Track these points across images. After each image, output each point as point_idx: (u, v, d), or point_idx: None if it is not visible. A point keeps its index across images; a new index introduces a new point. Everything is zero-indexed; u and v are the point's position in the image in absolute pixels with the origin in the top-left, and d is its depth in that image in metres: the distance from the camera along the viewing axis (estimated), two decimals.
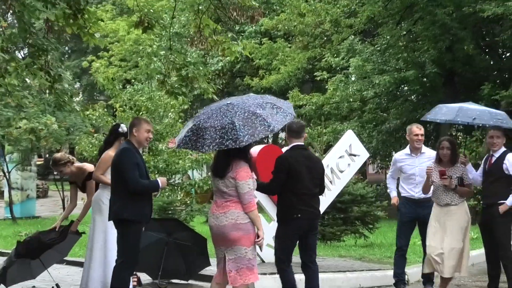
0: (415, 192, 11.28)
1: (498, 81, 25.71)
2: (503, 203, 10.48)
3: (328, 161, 14.09)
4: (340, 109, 26.94)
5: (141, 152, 9.42)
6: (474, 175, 11.02)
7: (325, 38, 28.88)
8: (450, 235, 10.49)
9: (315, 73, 28.52)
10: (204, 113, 8.57)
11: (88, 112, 23.64)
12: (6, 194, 27.84)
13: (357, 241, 17.14)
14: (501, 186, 10.66)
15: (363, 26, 27.31)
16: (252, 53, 30.25)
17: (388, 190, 12.10)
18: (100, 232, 10.58)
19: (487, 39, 26.06)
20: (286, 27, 29.68)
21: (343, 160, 14.17)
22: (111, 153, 10.21)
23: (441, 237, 10.56)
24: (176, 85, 12.03)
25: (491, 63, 26.27)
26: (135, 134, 9.33)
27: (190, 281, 12.65)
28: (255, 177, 8.54)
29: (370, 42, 27.37)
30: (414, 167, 11.41)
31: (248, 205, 8.06)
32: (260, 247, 8.65)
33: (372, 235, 17.51)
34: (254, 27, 32.78)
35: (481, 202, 11.42)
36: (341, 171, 14.21)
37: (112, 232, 10.05)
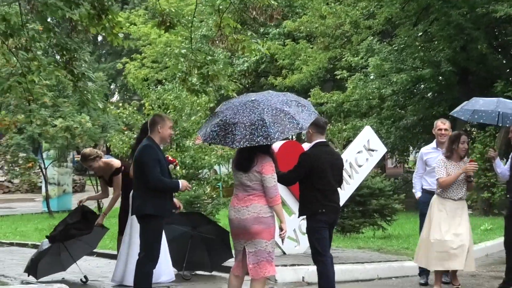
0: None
1: (510, 79, 25.36)
2: None
3: (347, 156, 13.97)
4: (360, 106, 26.75)
5: (168, 148, 9.36)
6: (503, 169, 10.83)
7: (345, 39, 28.69)
8: (466, 228, 10.37)
9: (336, 72, 28.36)
10: (228, 108, 8.45)
11: (119, 111, 23.50)
12: (43, 189, 27.85)
13: (375, 233, 16.96)
14: None
15: (381, 27, 27.13)
16: (276, 54, 30.63)
17: (413, 190, 11.95)
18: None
19: (499, 39, 25.62)
20: (308, 29, 29.52)
21: (362, 155, 14.07)
22: None
23: (455, 230, 10.36)
24: (197, 83, 11.82)
25: (504, 62, 25.94)
26: (160, 131, 9.24)
27: (213, 273, 12.59)
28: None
29: (388, 43, 27.17)
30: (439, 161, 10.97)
31: (275, 199, 8.04)
32: (282, 240, 8.66)
33: (390, 227, 17.36)
34: (277, 29, 32.72)
35: (508, 195, 10.92)
36: (360, 166, 14.12)
37: None
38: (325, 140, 9.99)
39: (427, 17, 24.72)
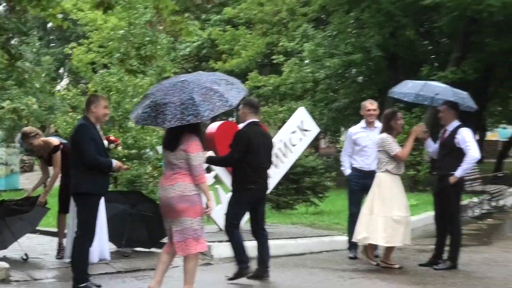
0: (366, 163, 11.24)
1: (435, 63, 25.64)
2: (453, 174, 10.36)
3: (282, 136, 14.05)
4: (295, 89, 26.84)
5: (111, 129, 9.17)
6: (434, 147, 11.00)
7: (282, 25, 28.41)
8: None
9: (273, 57, 28.41)
10: (159, 89, 8.30)
11: (63, 93, 23.26)
12: None
13: (308, 209, 17.07)
14: (452, 159, 10.52)
15: (316, 14, 27.31)
16: (217, 39, 30.46)
17: (342, 168, 11.91)
18: None
19: (426, 26, 25.68)
20: (247, 16, 29.52)
21: (296, 135, 14.07)
22: None
23: (406, 207, 10.70)
24: (134, 64, 11.57)
25: (430, 47, 26.11)
26: (94, 110, 9.04)
27: (152, 249, 12.31)
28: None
29: (322, 29, 26.93)
30: (367, 140, 11.31)
31: (200, 177, 7.85)
32: (208, 217, 8.68)
33: (322, 204, 17.34)
34: (218, 16, 32.55)
35: (434, 173, 11.17)
36: (294, 145, 14.12)
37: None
38: (258, 120, 10.05)
39: (359, 4, 24.76)
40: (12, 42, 11.52)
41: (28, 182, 25.99)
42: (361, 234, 10.55)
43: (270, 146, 10.10)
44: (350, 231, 11.55)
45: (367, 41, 24.70)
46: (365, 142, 11.34)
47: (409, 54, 24.94)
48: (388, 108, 12.25)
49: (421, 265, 10.98)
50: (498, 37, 23.78)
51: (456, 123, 10.73)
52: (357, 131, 11.71)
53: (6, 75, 27.90)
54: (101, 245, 11.07)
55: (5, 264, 10.21)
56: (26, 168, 36.31)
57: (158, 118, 7.84)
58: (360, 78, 28.61)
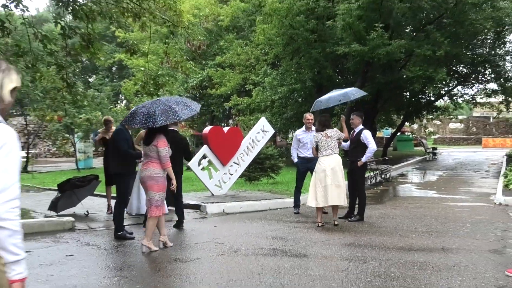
0: (307, 153, 11.04)
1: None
2: (360, 160, 10.25)
3: (251, 135, 13.94)
4: (260, 106, 26.36)
5: None
6: (345, 145, 10.75)
7: (251, 67, 27.93)
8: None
9: (246, 86, 27.62)
10: (145, 104, 8.06)
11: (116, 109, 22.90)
12: (76, 155, 27.98)
13: (268, 180, 16.33)
14: (358, 150, 10.35)
15: (272, 60, 26.53)
16: (212, 76, 29.92)
17: (292, 157, 11.56)
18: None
19: (339, 66, 25.13)
20: (230, 61, 28.98)
21: (259, 134, 14.02)
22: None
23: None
24: (151, 89, 10.85)
25: (342, 80, 25.56)
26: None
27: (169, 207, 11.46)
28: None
29: (276, 69, 26.40)
30: (307, 138, 11.20)
31: (165, 164, 7.77)
32: (173, 192, 8.52)
33: (277, 177, 16.66)
34: (213, 62, 31.91)
35: (348, 158, 10.71)
36: (258, 141, 13.83)
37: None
38: (175, 129, 9.61)
39: (298, 54, 24.12)
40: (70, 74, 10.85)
41: (99, 163, 25.25)
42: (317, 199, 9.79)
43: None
44: (296, 196, 11.46)
45: (303, 76, 24.25)
46: (306, 140, 11.18)
47: (329, 84, 24.29)
48: (315, 116, 11.73)
49: (340, 218, 10.32)
50: (384, 73, 23.37)
51: (361, 126, 10.51)
52: (300, 133, 11.51)
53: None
54: (139, 203, 10.75)
55: (71, 218, 9.91)
56: (99, 154, 36.26)
57: (131, 121, 7.76)
58: (300, 99, 27.90)
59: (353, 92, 11.07)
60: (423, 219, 10.24)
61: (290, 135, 39.08)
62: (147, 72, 10.84)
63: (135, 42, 10.92)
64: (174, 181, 7.90)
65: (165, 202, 8.07)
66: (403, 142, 40.22)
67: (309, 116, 11.51)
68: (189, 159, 10.17)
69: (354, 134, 10.43)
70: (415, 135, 45.83)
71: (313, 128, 10.95)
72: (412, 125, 44.86)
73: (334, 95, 11.03)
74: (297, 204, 11.40)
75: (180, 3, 10.67)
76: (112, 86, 44.20)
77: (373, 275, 6.13)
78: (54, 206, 10.77)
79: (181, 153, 9.62)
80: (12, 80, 2.55)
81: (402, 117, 32.87)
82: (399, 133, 37.86)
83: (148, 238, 7.69)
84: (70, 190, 10.96)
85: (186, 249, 7.82)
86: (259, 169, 16.17)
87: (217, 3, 32.72)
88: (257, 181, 16.20)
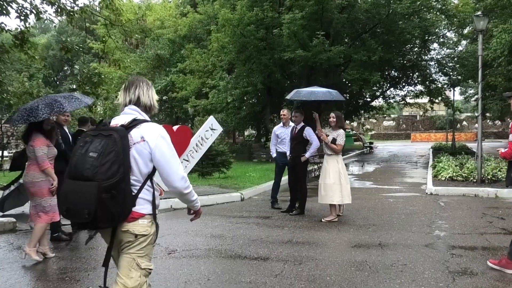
0: (285, 149, 9.50)
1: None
2: (303, 155, 8.91)
3: (199, 133, 12.31)
4: (215, 107, 24.62)
5: None
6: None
7: (209, 73, 26.40)
8: (326, 175, 8.45)
9: (203, 89, 26.03)
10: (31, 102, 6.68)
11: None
12: None
13: (220, 175, 14.92)
14: (300, 146, 9.04)
15: (227, 66, 25.00)
16: (174, 81, 28.48)
17: (271, 153, 10.04)
18: None
19: (287, 71, 23.88)
20: (190, 67, 27.41)
21: (208, 132, 12.33)
22: None
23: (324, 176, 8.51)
24: (87, 87, 9.29)
25: (289, 83, 24.30)
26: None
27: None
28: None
29: (230, 74, 24.89)
30: (285, 134, 9.59)
31: (42, 165, 5.96)
32: (52, 193, 6.11)
33: (228, 172, 15.34)
34: (176, 68, 30.10)
35: (289, 154, 9.23)
36: (207, 138, 12.19)
37: None
38: (83, 129, 7.98)
39: (250, 61, 22.88)
40: None
41: None
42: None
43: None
44: (274, 190, 10.03)
45: (254, 80, 22.91)
46: (283, 136, 9.60)
47: (278, 87, 23.51)
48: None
49: (282, 211, 9.12)
50: (326, 76, 22.35)
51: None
52: (278, 128, 9.84)
53: None
54: None
55: (12, 219, 8.35)
56: None
57: (12, 119, 6.20)
58: (252, 100, 26.74)
59: (334, 94, 9.97)
60: (361, 211, 9.10)
61: (247, 132, 37.91)
62: (83, 70, 9.36)
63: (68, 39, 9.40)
64: (55, 183, 6.00)
65: (56, 207, 6.05)
66: (345, 138, 39.64)
67: (283, 112, 9.81)
68: None
69: (296, 131, 9.05)
70: (354, 132, 45.39)
71: (291, 123, 9.45)
72: (352, 123, 44.42)
73: (318, 91, 9.87)
74: (274, 200, 9.92)
75: (119, 2, 9.21)
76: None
77: (308, 280, 4.91)
78: (1, 205, 9.23)
79: None
80: (155, 93, 3.11)
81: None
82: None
83: (31, 245, 5.97)
84: (16, 189, 9.38)
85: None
86: (211, 165, 14.77)
87: (178, 16, 31.38)
88: (209, 176, 14.85)
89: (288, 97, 10.62)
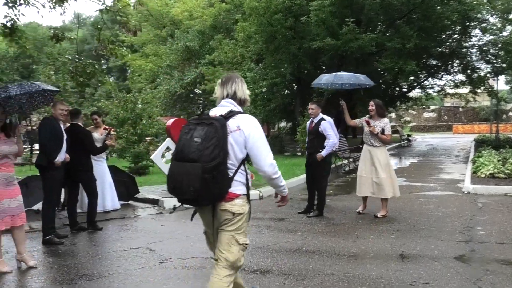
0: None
1: None
2: (320, 153, 8.05)
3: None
4: None
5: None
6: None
7: (237, 64, 25.56)
8: (376, 168, 7.87)
9: None
10: None
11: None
12: None
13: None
14: (317, 141, 8.14)
15: (255, 56, 24.39)
16: (204, 72, 28.21)
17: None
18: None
19: (317, 60, 22.92)
20: (219, 59, 26.77)
21: None
22: None
23: (370, 170, 7.94)
24: (80, 79, 8.67)
25: (319, 72, 23.07)
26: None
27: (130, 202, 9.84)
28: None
29: (258, 65, 24.19)
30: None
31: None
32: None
33: (252, 166, 14.32)
34: (206, 60, 29.59)
35: (306, 150, 8.56)
36: None
37: None
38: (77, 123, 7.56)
39: (278, 51, 21.94)
40: None
41: None
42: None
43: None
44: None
45: (283, 71, 22.20)
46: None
47: (308, 77, 22.36)
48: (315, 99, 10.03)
49: (299, 212, 8.37)
50: (357, 66, 21.30)
51: (320, 116, 8.24)
52: (308, 123, 8.60)
53: None
54: (103, 200, 8.71)
55: None
56: None
57: None
58: (281, 92, 25.96)
59: (362, 78, 9.42)
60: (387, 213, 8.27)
61: (281, 125, 37.06)
62: (75, 60, 8.74)
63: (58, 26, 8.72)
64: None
65: (17, 211, 5.47)
66: None
67: (311, 106, 8.47)
68: (94, 153, 7.93)
69: (313, 124, 8.27)
70: (392, 124, 44.06)
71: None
72: (389, 115, 43.11)
73: (342, 74, 9.40)
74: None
75: None
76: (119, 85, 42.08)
77: None
78: None
79: (82, 148, 7.35)
80: (246, 88, 3.55)
81: None
82: None
83: None
84: (24, 186, 8.92)
85: (107, 259, 5.79)
86: None
87: (205, 6, 30.85)
88: None
89: (313, 83, 9.91)
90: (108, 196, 8.76)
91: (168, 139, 10.83)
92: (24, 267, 5.51)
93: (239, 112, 3.33)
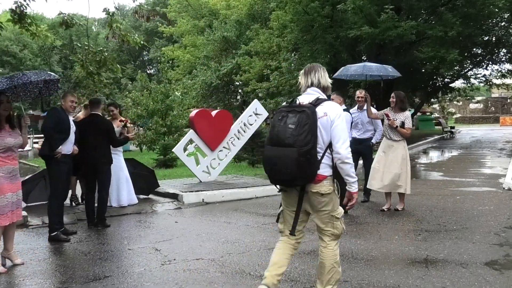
0: (358, 134, 8.25)
1: None
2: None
3: (242, 118, 11.50)
4: (278, 90, 23.36)
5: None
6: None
7: (274, 54, 25.25)
8: (392, 163, 7.55)
9: (264, 71, 25.18)
10: None
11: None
12: None
13: None
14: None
15: (292, 46, 23.86)
16: (240, 63, 27.76)
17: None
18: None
19: (355, 50, 22.06)
20: (255, 49, 26.50)
21: (251, 117, 11.31)
22: None
23: (384, 164, 7.60)
24: (90, 67, 8.32)
25: (356, 62, 22.41)
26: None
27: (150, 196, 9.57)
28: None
29: (294, 54, 23.67)
30: (358, 118, 8.25)
31: None
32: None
33: None
34: (241, 50, 29.26)
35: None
36: (250, 124, 11.24)
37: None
38: (97, 113, 7.29)
39: (314, 40, 21.30)
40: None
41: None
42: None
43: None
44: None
45: (320, 60, 21.45)
46: (357, 120, 8.23)
47: None
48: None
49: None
50: (396, 55, 20.40)
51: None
52: (353, 111, 8.30)
53: None
54: (118, 194, 8.50)
55: (24, 212, 7.43)
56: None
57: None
58: None
59: (390, 70, 9.06)
60: (416, 211, 7.68)
61: None
62: (85, 47, 8.40)
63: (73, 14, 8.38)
64: None
65: (15, 206, 5.24)
66: (424, 122, 37.65)
67: (358, 92, 8.49)
68: (115, 145, 7.70)
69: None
70: (435, 115, 42.59)
71: (365, 107, 8.09)
72: (432, 106, 41.79)
73: (370, 64, 9.07)
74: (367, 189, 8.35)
75: None
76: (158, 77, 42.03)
77: None
78: (25, 195, 8.62)
79: (104, 139, 7.17)
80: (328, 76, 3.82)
81: (418, 98, 29.87)
82: (419, 114, 35.19)
83: None
84: (43, 180, 8.79)
85: (108, 260, 5.45)
86: (260, 153, 13.70)
87: None
88: (260, 164, 13.80)
89: (335, 75, 9.38)
90: (123, 190, 8.48)
91: (191, 131, 10.54)
92: (9, 264, 5.29)
93: (325, 100, 3.65)
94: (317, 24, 20.67)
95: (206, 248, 5.72)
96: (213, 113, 10.84)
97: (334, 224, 3.70)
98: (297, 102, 3.63)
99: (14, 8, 7.30)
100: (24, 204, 8.57)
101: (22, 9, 7.37)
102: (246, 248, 5.73)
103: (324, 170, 3.59)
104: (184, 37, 38.23)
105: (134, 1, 8.13)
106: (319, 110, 3.54)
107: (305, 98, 3.67)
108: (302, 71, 3.85)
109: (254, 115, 11.25)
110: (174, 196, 9.25)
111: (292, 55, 24.02)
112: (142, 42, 8.48)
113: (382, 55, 20.53)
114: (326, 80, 3.78)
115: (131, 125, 8.85)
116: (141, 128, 18.02)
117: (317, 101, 3.58)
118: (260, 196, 9.63)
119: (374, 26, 18.35)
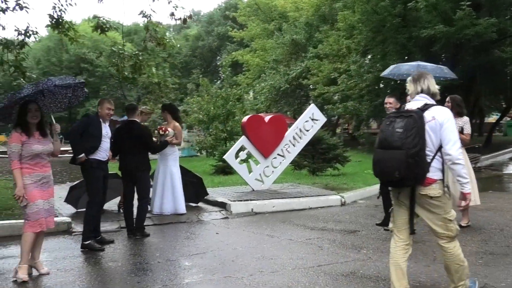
0: None
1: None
2: None
3: (297, 124, 11.05)
4: (346, 94, 22.73)
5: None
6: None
7: (343, 56, 24.59)
8: None
9: (332, 74, 24.75)
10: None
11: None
12: None
13: (332, 172, 13.21)
14: None
15: (362, 48, 23.14)
16: (309, 66, 27.55)
17: None
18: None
19: (430, 50, 20.91)
20: (324, 51, 26.17)
21: (308, 123, 10.79)
22: None
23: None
24: (125, 73, 8.15)
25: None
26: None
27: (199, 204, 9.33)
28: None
29: (363, 56, 22.97)
30: None
31: (11, 165, 4.97)
32: (18, 202, 5.05)
33: (343, 168, 13.56)
34: (311, 54, 28.67)
35: None
36: (307, 130, 10.75)
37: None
38: (134, 119, 7.18)
39: (386, 41, 20.50)
40: None
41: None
42: None
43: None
44: None
45: (391, 63, 20.46)
46: None
47: None
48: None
49: (377, 224, 7.33)
50: (475, 55, 19.20)
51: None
52: None
53: None
54: (161, 202, 8.31)
55: (67, 219, 7.69)
56: None
57: None
58: (388, 88, 24.23)
59: (446, 71, 8.52)
60: (484, 229, 6.91)
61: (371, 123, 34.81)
62: (119, 52, 8.24)
63: (105, 19, 8.25)
64: (18, 190, 4.93)
65: (48, 214, 5.16)
66: None
67: (388, 100, 7.40)
68: (153, 152, 7.50)
69: None
70: None
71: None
72: None
73: (425, 64, 8.39)
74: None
75: None
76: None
77: None
78: (75, 200, 8.67)
79: (141, 146, 7.02)
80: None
81: (503, 102, 28.03)
82: (507, 119, 33.04)
83: (22, 261, 5.03)
84: None
85: (130, 273, 5.16)
86: (322, 160, 13.17)
87: None
88: (321, 172, 13.29)
89: (383, 73, 8.80)
90: (167, 198, 8.25)
91: (243, 137, 10.24)
92: (35, 273, 5.18)
93: (433, 105, 3.83)
94: (388, 24, 19.88)
95: (238, 265, 5.36)
96: (267, 118, 10.47)
97: (447, 227, 3.83)
98: (405, 108, 3.91)
99: (52, 13, 7.32)
100: (74, 210, 8.69)
101: (60, 14, 7.37)
102: (280, 266, 5.30)
103: (434, 173, 3.71)
104: (254, 41, 38.25)
105: (169, 3, 7.70)
106: (427, 114, 3.71)
107: (414, 104, 3.86)
108: (410, 78, 4.03)
109: (310, 121, 10.77)
110: (222, 205, 8.97)
111: (364, 57, 23.24)
112: (178, 45, 8.31)
113: (459, 55, 19.48)
114: (434, 87, 3.96)
115: (169, 130, 8.52)
116: (202, 134, 18.10)
117: (425, 107, 3.77)
118: (314, 207, 9.16)
119: (450, 25, 17.34)
